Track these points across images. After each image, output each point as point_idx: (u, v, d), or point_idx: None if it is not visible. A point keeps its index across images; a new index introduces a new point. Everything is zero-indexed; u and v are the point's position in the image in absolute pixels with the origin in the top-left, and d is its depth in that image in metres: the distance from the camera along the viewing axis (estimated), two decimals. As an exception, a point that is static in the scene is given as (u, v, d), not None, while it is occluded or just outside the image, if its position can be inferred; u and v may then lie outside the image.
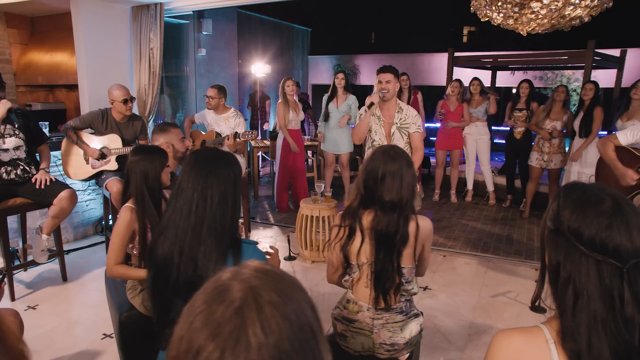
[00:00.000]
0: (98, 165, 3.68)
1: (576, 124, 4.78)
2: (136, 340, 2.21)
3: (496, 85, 7.47)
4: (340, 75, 5.44)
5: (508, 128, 5.74)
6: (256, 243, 1.55)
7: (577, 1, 2.00)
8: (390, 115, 3.58)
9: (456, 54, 6.51)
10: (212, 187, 1.44)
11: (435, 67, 11.46)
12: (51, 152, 3.58)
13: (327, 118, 5.43)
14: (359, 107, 5.51)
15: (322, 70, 12.63)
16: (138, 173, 2.10)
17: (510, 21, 2.26)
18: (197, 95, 6.30)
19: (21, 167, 3.25)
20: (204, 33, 6.24)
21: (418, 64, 11.68)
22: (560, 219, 1.37)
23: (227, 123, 4.31)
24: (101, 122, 3.72)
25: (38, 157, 3.45)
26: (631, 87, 4.31)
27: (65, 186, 3.29)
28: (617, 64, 6.09)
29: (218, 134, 4.24)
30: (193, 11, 5.80)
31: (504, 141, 6.30)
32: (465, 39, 22.33)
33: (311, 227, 3.94)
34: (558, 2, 2.00)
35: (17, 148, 3.25)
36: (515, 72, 9.18)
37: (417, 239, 1.79)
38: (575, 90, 9.17)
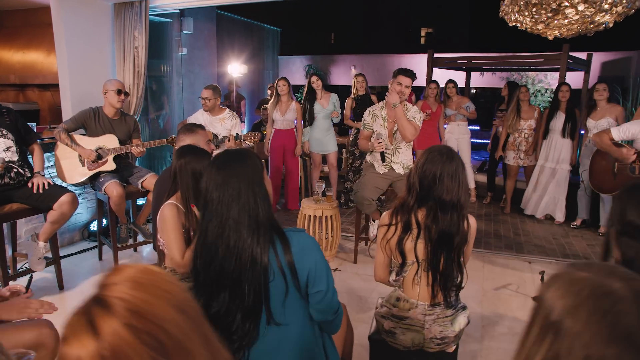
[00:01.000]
0: (95, 166, 3.54)
1: (557, 124, 5.01)
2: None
3: (470, 86, 7.71)
4: (314, 78, 5.46)
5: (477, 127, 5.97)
6: (303, 230, 1.54)
7: (609, 8, 2.14)
8: (393, 115, 3.65)
9: (435, 55, 6.67)
10: (243, 181, 1.43)
11: (404, 66, 11.69)
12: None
13: (312, 121, 5.45)
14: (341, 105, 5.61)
15: (292, 71, 12.62)
16: (189, 174, 2.08)
17: (540, 26, 2.38)
18: (178, 96, 6.16)
19: (15, 170, 3.08)
20: (185, 32, 6.10)
21: (388, 65, 11.89)
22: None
23: (222, 124, 4.23)
24: (94, 120, 3.58)
25: (30, 159, 3.28)
26: (592, 89, 4.61)
27: (65, 190, 3.14)
28: (585, 66, 6.45)
29: (215, 136, 4.16)
30: (179, 9, 5.67)
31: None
32: (423, 40, 22.92)
33: (313, 227, 3.95)
34: (592, 9, 2.13)
35: (7, 149, 3.07)
36: (484, 73, 9.52)
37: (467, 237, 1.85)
38: (539, 91, 9.64)
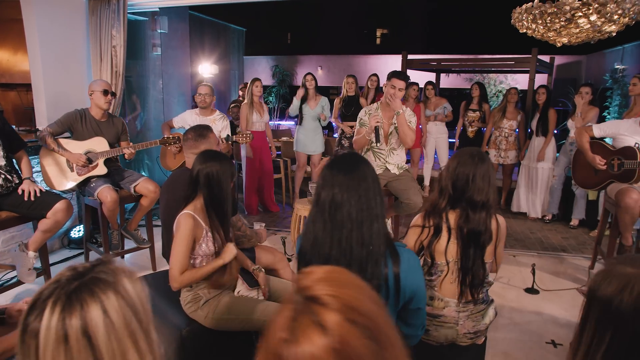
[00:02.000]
0: (85, 171, 3.38)
1: (533, 124, 5.27)
2: (199, 354, 2.11)
3: (442, 87, 7.94)
4: (309, 77, 5.49)
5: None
6: (404, 245, 1.55)
7: (618, 18, 2.30)
8: (390, 116, 3.72)
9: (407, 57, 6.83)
10: (370, 186, 1.43)
11: (371, 68, 11.86)
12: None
13: (302, 120, 5.46)
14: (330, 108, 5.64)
15: (258, 71, 12.50)
16: (212, 180, 2.03)
17: (552, 33, 2.51)
18: (157, 97, 5.96)
19: (2, 176, 2.90)
20: (159, 31, 5.92)
21: (355, 65, 12.03)
22: None
23: (214, 125, 4.15)
24: (80, 123, 3.42)
25: (16, 166, 3.09)
26: (576, 91, 4.87)
27: (58, 197, 2.98)
28: (548, 69, 6.81)
29: (204, 137, 4.08)
30: (159, 8, 5.49)
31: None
32: (378, 40, 23.28)
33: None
34: (603, 19, 2.28)
35: None
36: (450, 74, 9.83)
37: (498, 236, 1.93)
38: (500, 92, 10.06)
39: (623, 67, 8.33)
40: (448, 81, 10.03)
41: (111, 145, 3.54)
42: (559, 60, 9.82)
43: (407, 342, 1.57)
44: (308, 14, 15.55)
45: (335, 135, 6.84)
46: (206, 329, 2.09)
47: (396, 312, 1.49)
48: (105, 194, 3.25)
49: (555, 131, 5.24)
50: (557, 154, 5.23)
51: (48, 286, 0.84)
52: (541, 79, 6.98)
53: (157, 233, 4.55)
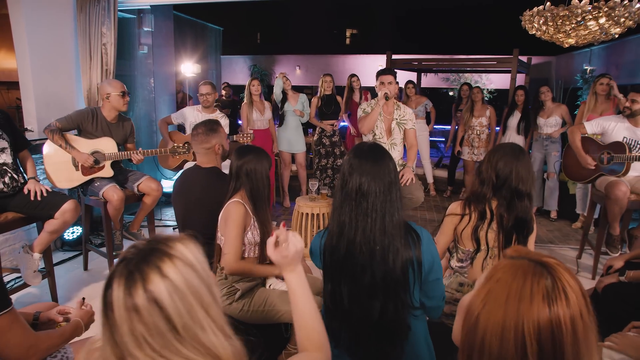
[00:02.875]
0: (91, 172, 3.31)
1: (513, 122, 5.48)
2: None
3: (422, 86, 8.13)
4: (284, 79, 5.52)
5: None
6: (414, 223, 1.63)
7: (624, 21, 2.47)
8: (390, 111, 3.82)
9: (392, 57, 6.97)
10: (393, 175, 1.51)
11: (349, 68, 12.00)
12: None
13: (283, 120, 5.49)
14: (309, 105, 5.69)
15: (235, 71, 12.43)
16: (251, 173, 2.08)
17: (561, 35, 2.66)
18: (147, 96, 5.86)
19: (9, 175, 2.82)
20: (145, 29, 5.82)
21: (333, 65, 12.13)
22: None
23: (214, 124, 4.14)
24: (91, 123, 3.35)
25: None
26: (538, 92, 5.11)
27: (66, 197, 2.91)
28: (526, 69, 7.09)
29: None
30: (151, 6, 5.40)
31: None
32: (348, 41, 23.50)
33: (306, 224, 3.99)
34: (611, 21, 2.44)
35: (1, 151, 2.81)
36: (428, 74, 10.06)
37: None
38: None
39: (591, 68, 8.76)
40: (425, 81, 10.26)
41: (118, 147, 3.48)
42: (532, 60, 10.21)
43: (432, 315, 1.66)
44: (284, 14, 15.56)
45: (311, 131, 6.89)
46: (236, 323, 2.11)
47: (419, 288, 1.57)
48: (112, 193, 3.21)
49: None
50: (530, 151, 5.46)
51: (117, 265, 0.89)
52: (519, 78, 7.25)
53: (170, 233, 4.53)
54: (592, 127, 3.66)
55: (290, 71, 12.75)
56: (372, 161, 1.50)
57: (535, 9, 2.84)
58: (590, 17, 2.52)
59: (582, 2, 2.54)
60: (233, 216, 2.04)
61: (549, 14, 2.71)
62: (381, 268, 1.45)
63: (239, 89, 12.25)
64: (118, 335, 0.84)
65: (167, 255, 0.88)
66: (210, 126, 2.57)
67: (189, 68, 8.14)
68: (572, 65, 9.81)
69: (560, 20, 2.64)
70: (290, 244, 1.15)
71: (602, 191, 3.61)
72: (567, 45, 2.90)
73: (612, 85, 4.33)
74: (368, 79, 6.49)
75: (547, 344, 0.76)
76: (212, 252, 2.36)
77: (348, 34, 23.65)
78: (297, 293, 1.15)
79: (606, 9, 2.52)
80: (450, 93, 12.39)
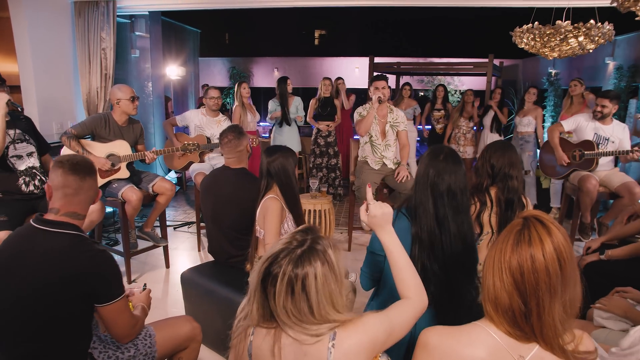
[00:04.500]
0: (108, 174, 3.46)
1: (487, 121, 5.91)
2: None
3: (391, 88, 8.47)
4: (289, 81, 5.75)
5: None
6: None
7: (598, 39, 2.90)
8: (383, 114, 4.12)
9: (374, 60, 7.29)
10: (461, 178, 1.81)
11: (327, 69, 12.29)
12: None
13: (283, 122, 5.70)
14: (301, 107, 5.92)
15: (214, 73, 12.50)
16: (280, 170, 2.30)
17: (546, 49, 3.06)
18: (145, 100, 5.95)
19: (38, 177, 2.96)
20: (136, 33, 5.91)
21: (310, 67, 12.38)
22: None
23: (219, 126, 4.32)
24: (104, 128, 3.49)
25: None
26: (525, 90, 5.57)
27: (91, 197, 3.07)
28: (499, 72, 7.56)
29: (208, 140, 4.24)
30: (149, 12, 5.50)
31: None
32: (317, 41, 23.77)
33: (310, 220, 4.25)
34: (588, 39, 2.86)
35: (30, 155, 2.95)
36: (403, 76, 10.47)
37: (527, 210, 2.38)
38: (449, 92, 10.86)
39: (556, 71, 9.37)
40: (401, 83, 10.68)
41: (131, 149, 3.63)
42: (498, 63, 10.79)
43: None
44: (259, 15, 15.68)
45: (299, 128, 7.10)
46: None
47: None
48: (131, 193, 3.37)
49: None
50: None
51: (281, 249, 1.18)
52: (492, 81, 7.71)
53: (170, 233, 4.66)
54: (569, 124, 4.09)
55: (267, 73, 12.93)
56: (453, 163, 1.79)
57: (524, 27, 3.24)
58: (572, 35, 2.94)
59: (565, 23, 2.96)
60: (271, 211, 2.26)
61: (537, 32, 3.11)
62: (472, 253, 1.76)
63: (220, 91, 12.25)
64: (271, 302, 1.14)
65: (320, 258, 1.16)
66: (239, 130, 2.80)
67: (174, 71, 8.27)
68: (538, 68, 10.43)
69: (547, 37, 3.05)
70: (377, 208, 1.39)
71: (576, 184, 4.03)
72: (551, 58, 3.30)
73: (581, 88, 4.85)
74: (346, 82, 6.79)
75: (519, 281, 1.06)
76: (246, 244, 2.59)
77: (317, 34, 23.91)
78: (390, 248, 1.39)
79: (584, 29, 2.97)
80: (421, 94, 12.85)
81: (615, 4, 1.80)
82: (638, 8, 1.66)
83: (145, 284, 2.03)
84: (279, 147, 2.43)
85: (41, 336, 1.47)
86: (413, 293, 1.35)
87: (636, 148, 3.72)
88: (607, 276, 2.48)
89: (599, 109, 3.85)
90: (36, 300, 1.45)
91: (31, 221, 1.55)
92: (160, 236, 3.83)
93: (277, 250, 1.17)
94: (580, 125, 4.03)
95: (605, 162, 4.03)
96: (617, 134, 3.95)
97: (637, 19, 1.82)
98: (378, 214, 1.39)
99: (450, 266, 1.74)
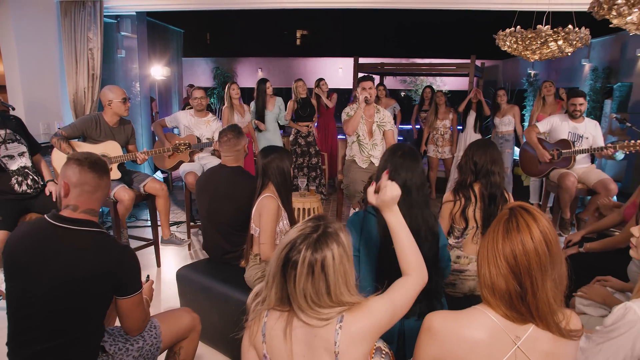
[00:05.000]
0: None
1: (470, 121, 6.05)
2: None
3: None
4: (269, 84, 5.76)
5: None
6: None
7: (576, 43, 3.07)
8: (370, 114, 4.22)
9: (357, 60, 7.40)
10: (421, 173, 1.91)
11: (310, 70, 12.38)
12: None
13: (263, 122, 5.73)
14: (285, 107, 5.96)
15: (197, 73, 12.46)
16: (276, 170, 2.36)
17: (528, 52, 3.21)
18: (132, 101, 5.93)
19: (31, 177, 2.97)
20: (122, 33, 5.90)
21: (294, 67, 12.45)
22: None
23: (208, 126, 4.36)
24: (95, 129, 3.49)
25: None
26: (495, 95, 5.74)
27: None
28: (480, 72, 7.75)
29: (198, 139, 4.28)
30: (136, 12, 5.49)
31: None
32: (298, 41, 23.84)
33: (300, 218, 4.33)
34: (567, 43, 3.03)
35: (21, 154, 2.95)
36: (387, 76, 10.62)
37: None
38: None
39: (535, 72, 9.63)
40: (385, 83, 10.82)
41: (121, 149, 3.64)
42: (479, 64, 11.03)
43: (444, 273, 2.08)
44: (241, 15, 15.67)
45: (281, 132, 7.15)
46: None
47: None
48: (123, 193, 3.39)
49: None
50: None
51: (297, 235, 1.26)
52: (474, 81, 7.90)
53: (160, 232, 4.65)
54: (543, 125, 4.26)
55: (250, 73, 12.95)
56: (410, 160, 1.90)
57: (507, 30, 3.39)
58: (551, 39, 3.11)
59: (546, 27, 3.13)
60: (268, 210, 2.31)
61: (519, 35, 3.27)
62: (427, 245, 1.84)
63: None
64: (290, 286, 1.22)
65: (335, 240, 1.25)
66: (238, 130, 2.86)
67: (158, 71, 8.25)
68: (518, 69, 10.70)
69: (528, 41, 3.21)
70: (387, 190, 1.47)
71: (556, 182, 4.19)
72: (532, 60, 3.45)
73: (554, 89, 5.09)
74: (330, 82, 6.89)
75: (513, 265, 1.17)
76: (240, 240, 2.65)
77: (298, 34, 23.96)
78: (396, 228, 1.48)
79: (563, 33, 3.15)
80: (402, 94, 13.04)
81: (591, 12, 1.93)
82: (611, 16, 1.79)
83: (148, 275, 2.07)
84: (275, 147, 2.49)
85: (63, 332, 1.52)
86: (413, 269, 1.44)
87: (609, 145, 3.90)
88: (587, 268, 2.62)
89: (578, 107, 4.03)
90: (64, 297, 1.50)
91: (47, 218, 1.58)
92: (182, 238, 3.84)
93: (294, 237, 1.25)
94: (555, 125, 4.21)
95: (582, 159, 4.20)
96: (590, 130, 4.14)
97: (611, 25, 1.95)
98: (387, 197, 1.46)
99: None
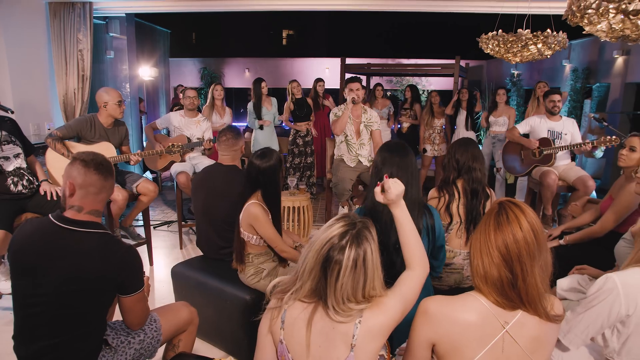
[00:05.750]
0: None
1: (461, 120, 6.19)
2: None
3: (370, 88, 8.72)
4: (264, 83, 5.82)
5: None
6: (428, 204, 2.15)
7: (554, 46, 3.23)
8: (358, 115, 4.33)
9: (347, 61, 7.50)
10: (410, 169, 2.01)
11: (297, 70, 12.45)
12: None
13: (261, 125, 5.79)
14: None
15: (184, 73, 12.45)
16: (267, 173, 2.42)
17: (509, 54, 3.36)
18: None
19: (26, 178, 3.00)
20: (111, 34, 5.91)
21: (282, 67, 12.51)
22: None
23: (198, 126, 4.42)
24: (89, 130, 3.54)
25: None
26: (494, 93, 5.88)
27: (79, 196, 3.13)
28: (465, 73, 7.91)
29: (188, 139, 4.34)
30: (126, 14, 5.51)
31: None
32: (284, 41, 23.90)
33: (290, 216, 4.41)
34: (545, 47, 3.19)
35: (17, 156, 2.99)
36: (373, 76, 10.74)
37: (491, 200, 2.61)
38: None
39: (518, 72, 9.85)
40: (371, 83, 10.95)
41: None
42: (464, 64, 11.21)
43: (434, 272, 2.18)
44: (227, 15, 15.68)
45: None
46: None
47: (430, 251, 2.09)
48: (117, 193, 3.43)
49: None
50: (480, 147, 6.22)
51: (335, 234, 1.34)
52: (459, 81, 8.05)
53: (152, 231, 4.70)
54: (522, 127, 4.43)
55: (238, 74, 12.98)
56: (399, 155, 2.00)
57: (490, 34, 3.54)
58: (531, 42, 3.27)
59: (526, 31, 3.29)
60: (259, 217, 2.36)
61: (501, 39, 3.43)
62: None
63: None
64: (332, 281, 1.30)
65: (370, 239, 1.35)
66: (237, 131, 2.94)
67: (146, 71, 8.25)
68: (501, 69, 10.92)
69: (509, 44, 3.36)
70: (393, 189, 1.57)
71: (538, 179, 4.34)
72: (514, 62, 3.61)
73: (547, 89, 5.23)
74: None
75: (505, 254, 1.29)
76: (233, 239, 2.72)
77: (284, 34, 24.00)
78: (402, 222, 1.58)
79: (542, 37, 3.32)
80: (389, 94, 13.19)
81: (566, 19, 2.05)
82: (584, 23, 1.92)
83: (144, 271, 2.14)
84: (267, 151, 2.50)
85: (68, 328, 1.58)
86: (417, 263, 1.54)
87: (588, 141, 4.07)
88: (567, 259, 2.75)
89: (557, 103, 4.20)
90: (69, 296, 1.55)
91: (52, 219, 1.62)
92: (138, 233, 3.91)
93: (332, 235, 1.33)
94: (534, 125, 4.37)
95: (562, 157, 4.37)
96: (568, 128, 4.32)
97: (584, 32, 2.08)
98: (393, 195, 1.56)
99: (390, 251, 1.93)
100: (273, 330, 1.41)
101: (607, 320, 1.54)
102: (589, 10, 1.77)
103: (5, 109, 2.84)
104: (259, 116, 5.63)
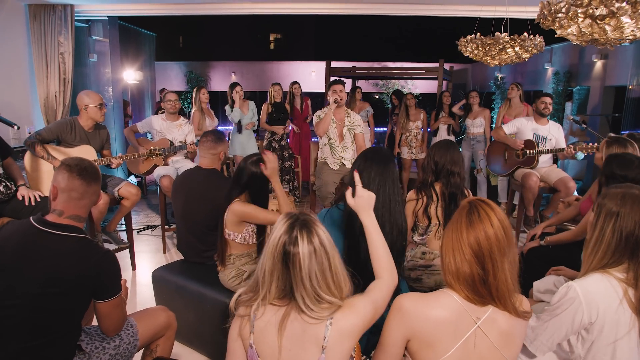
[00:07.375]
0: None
1: (443, 125, 6.25)
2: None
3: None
4: (239, 87, 5.77)
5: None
6: None
7: (531, 49, 3.29)
8: (341, 118, 4.34)
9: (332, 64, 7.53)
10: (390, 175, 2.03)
11: (284, 74, 12.46)
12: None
13: (240, 127, 5.76)
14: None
15: (170, 77, 12.38)
16: (254, 175, 2.42)
17: (488, 57, 3.41)
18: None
19: (3, 184, 2.96)
20: (94, 37, 5.86)
21: (268, 71, 12.51)
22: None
23: (180, 130, 4.39)
24: (70, 133, 3.50)
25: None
26: (467, 96, 5.96)
27: (58, 201, 3.09)
28: (449, 76, 7.99)
29: (171, 143, 4.31)
30: (108, 17, 5.46)
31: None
32: (272, 45, 23.93)
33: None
34: (522, 50, 3.25)
35: None
36: (359, 80, 10.79)
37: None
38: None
39: (502, 75, 9.98)
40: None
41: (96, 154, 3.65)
42: (448, 67, 11.32)
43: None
44: (213, 18, 15.65)
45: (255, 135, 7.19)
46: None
47: None
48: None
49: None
50: (460, 149, 6.28)
51: (283, 232, 1.33)
52: (443, 84, 8.13)
53: (134, 236, 4.64)
54: (509, 128, 4.47)
55: (224, 77, 12.94)
56: (383, 162, 2.01)
57: (468, 37, 3.59)
58: (509, 45, 3.33)
59: (503, 34, 3.35)
60: (249, 210, 2.37)
61: (479, 42, 3.48)
62: (388, 238, 1.95)
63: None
64: (296, 271, 1.29)
65: (315, 224, 1.35)
66: (218, 136, 2.93)
67: (131, 75, 8.19)
68: (486, 73, 11.05)
69: (488, 47, 3.41)
70: (365, 193, 1.59)
71: (520, 181, 4.40)
72: (492, 65, 3.67)
73: (517, 91, 5.33)
74: (303, 86, 6.95)
75: (477, 250, 1.32)
76: (215, 240, 2.71)
77: (272, 38, 24.01)
78: (371, 231, 1.58)
79: (519, 40, 3.39)
80: (376, 97, 13.26)
81: (539, 22, 2.10)
82: (555, 26, 1.96)
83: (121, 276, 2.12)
84: (255, 155, 2.50)
85: (41, 332, 1.55)
86: (386, 272, 1.54)
87: (570, 145, 4.13)
88: (546, 259, 2.79)
89: (547, 105, 4.28)
90: (44, 298, 1.54)
91: (32, 221, 1.61)
92: (122, 238, 3.87)
93: (280, 234, 1.33)
94: (521, 127, 4.42)
95: (545, 159, 4.42)
96: (553, 132, 4.37)
97: (556, 35, 2.12)
98: (365, 196, 1.58)
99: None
100: (243, 335, 1.40)
101: (571, 328, 1.57)
102: (559, 14, 1.81)
103: (11, 124, 2.82)
104: (239, 122, 5.64)
